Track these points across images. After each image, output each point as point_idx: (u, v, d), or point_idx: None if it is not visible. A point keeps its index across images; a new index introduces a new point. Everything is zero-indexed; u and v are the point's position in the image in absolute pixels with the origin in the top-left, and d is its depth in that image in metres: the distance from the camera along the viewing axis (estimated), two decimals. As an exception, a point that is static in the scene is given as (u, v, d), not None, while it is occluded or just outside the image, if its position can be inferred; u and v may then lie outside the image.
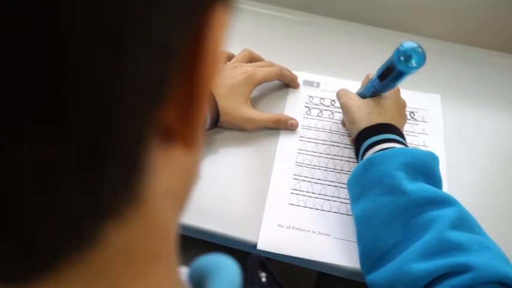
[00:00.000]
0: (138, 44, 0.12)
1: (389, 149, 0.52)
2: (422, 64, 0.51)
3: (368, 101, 0.60)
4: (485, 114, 0.71)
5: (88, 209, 0.14)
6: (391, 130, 0.56)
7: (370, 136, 0.56)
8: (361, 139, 0.57)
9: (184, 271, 0.23)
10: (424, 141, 0.66)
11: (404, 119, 0.61)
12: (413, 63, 0.51)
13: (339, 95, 0.63)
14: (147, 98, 0.14)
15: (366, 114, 0.58)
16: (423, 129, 0.68)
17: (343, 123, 0.66)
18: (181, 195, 0.20)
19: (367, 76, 0.63)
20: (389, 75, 0.53)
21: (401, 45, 0.51)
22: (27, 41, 0.10)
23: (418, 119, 0.69)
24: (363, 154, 0.56)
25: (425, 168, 0.51)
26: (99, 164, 0.13)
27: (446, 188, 0.54)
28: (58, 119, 0.12)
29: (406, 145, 0.55)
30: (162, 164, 0.17)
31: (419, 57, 0.51)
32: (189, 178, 0.20)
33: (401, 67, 0.51)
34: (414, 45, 0.51)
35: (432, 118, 0.69)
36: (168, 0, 0.13)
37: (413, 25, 0.81)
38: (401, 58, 0.51)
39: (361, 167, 0.53)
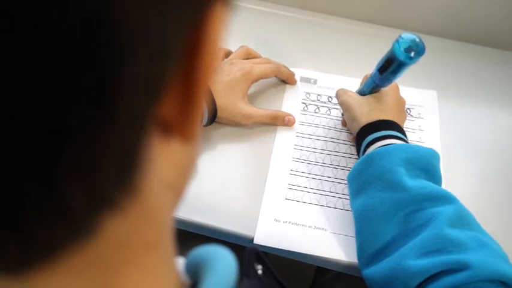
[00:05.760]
0: (138, 43, 0.12)
1: (390, 145, 0.53)
2: (422, 54, 0.51)
3: (368, 98, 0.60)
4: (481, 111, 0.71)
5: (86, 202, 0.14)
6: (392, 127, 0.56)
7: (371, 132, 0.56)
8: (362, 136, 0.57)
9: (180, 261, 0.24)
10: (420, 137, 0.67)
11: (404, 116, 0.62)
12: (413, 53, 0.51)
13: (338, 93, 0.64)
14: (146, 94, 0.14)
15: (367, 111, 0.58)
16: (419, 126, 0.68)
17: (343, 123, 0.67)
18: (177, 188, 0.20)
19: (365, 76, 0.64)
20: (390, 68, 0.54)
21: (400, 37, 0.52)
22: (28, 41, 0.11)
23: (414, 115, 0.69)
24: (364, 150, 0.56)
25: (426, 165, 0.52)
26: (99, 159, 0.13)
27: (442, 184, 0.54)
28: (58, 118, 0.12)
29: (407, 142, 0.55)
30: (160, 157, 0.17)
31: (419, 47, 0.51)
32: (186, 171, 0.20)
33: (401, 58, 0.52)
34: (413, 36, 0.52)
35: (428, 114, 0.70)
36: (168, 0, 0.13)
37: (410, 22, 0.81)
38: (402, 49, 0.51)
39: (361, 163, 0.53)
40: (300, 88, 0.72)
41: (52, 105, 0.12)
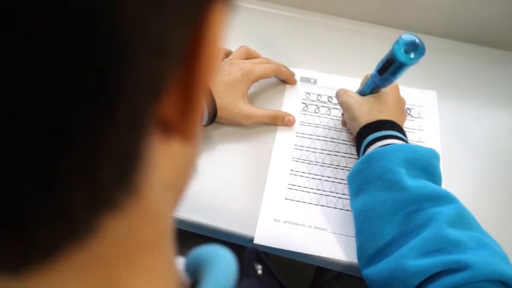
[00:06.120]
0: (138, 43, 0.12)
1: (390, 145, 0.53)
2: (422, 55, 0.51)
3: (368, 98, 0.60)
4: (481, 110, 0.72)
5: (86, 202, 0.14)
6: (392, 127, 0.56)
7: (371, 132, 0.56)
8: (362, 136, 0.57)
9: (180, 261, 0.24)
10: (420, 137, 0.67)
11: (404, 116, 0.62)
12: (413, 54, 0.51)
13: (338, 94, 0.64)
14: (146, 94, 0.14)
15: (367, 111, 0.58)
16: (419, 126, 0.68)
17: (344, 123, 0.67)
18: (178, 188, 0.20)
19: (366, 76, 0.64)
20: (390, 68, 0.54)
21: (400, 37, 0.52)
22: (28, 41, 0.11)
23: (414, 115, 0.69)
24: (364, 150, 0.56)
25: (426, 165, 0.52)
26: (99, 159, 0.13)
27: (442, 184, 0.54)
28: (58, 118, 0.12)
29: (407, 142, 0.55)
30: (160, 157, 0.17)
31: (419, 48, 0.51)
32: (186, 171, 0.20)
33: (402, 59, 0.52)
34: (413, 37, 0.52)
35: (428, 114, 0.70)
36: (168, 0, 0.13)
37: (410, 22, 0.81)
38: (402, 50, 0.51)
39: (362, 162, 0.53)
40: (300, 88, 0.72)
41: (52, 105, 0.12)
